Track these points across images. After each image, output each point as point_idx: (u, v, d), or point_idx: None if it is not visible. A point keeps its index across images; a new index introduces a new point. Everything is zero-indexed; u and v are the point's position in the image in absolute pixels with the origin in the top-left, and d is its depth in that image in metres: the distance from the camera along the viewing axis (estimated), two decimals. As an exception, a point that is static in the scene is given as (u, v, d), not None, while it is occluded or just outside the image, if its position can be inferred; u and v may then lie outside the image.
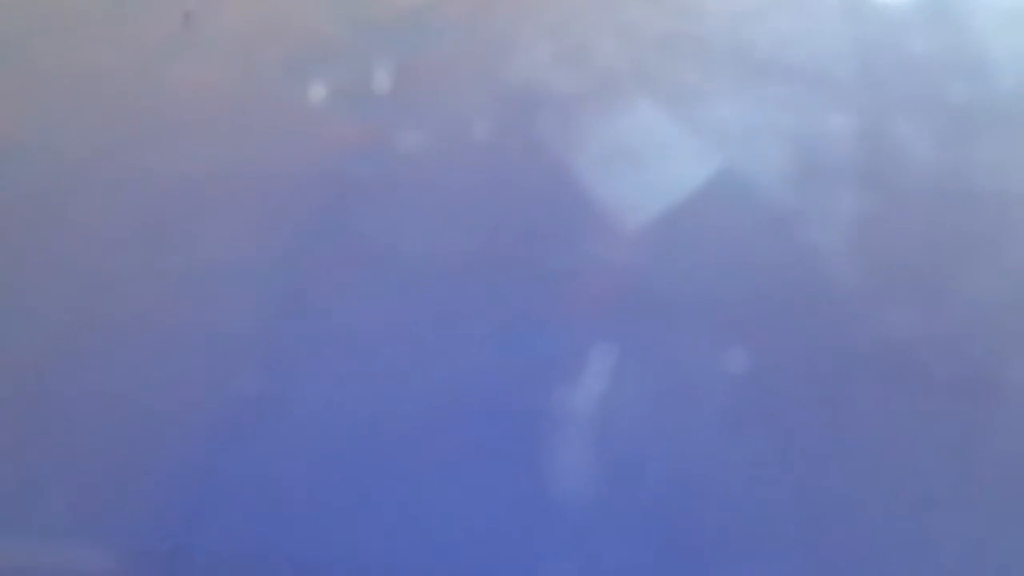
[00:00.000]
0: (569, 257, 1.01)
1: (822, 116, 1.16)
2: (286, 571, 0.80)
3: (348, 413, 0.91)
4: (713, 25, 1.24)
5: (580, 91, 1.17)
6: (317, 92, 1.16)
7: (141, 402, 0.90)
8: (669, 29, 1.24)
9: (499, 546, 0.81)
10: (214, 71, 1.22)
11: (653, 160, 1.12)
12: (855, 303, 0.99)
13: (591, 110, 1.16)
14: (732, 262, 1.01)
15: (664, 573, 0.81)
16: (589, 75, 1.19)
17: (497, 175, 1.10)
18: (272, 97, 1.17)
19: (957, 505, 0.86)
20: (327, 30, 1.23)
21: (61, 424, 0.89)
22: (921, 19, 1.27)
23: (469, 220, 1.05)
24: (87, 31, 1.29)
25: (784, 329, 0.96)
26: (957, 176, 1.13)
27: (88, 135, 1.16)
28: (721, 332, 0.95)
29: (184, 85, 1.19)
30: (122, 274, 1.01)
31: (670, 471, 0.86)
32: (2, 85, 1.24)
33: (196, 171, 1.11)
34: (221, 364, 0.94)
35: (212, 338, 0.96)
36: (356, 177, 1.09)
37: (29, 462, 0.86)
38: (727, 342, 0.94)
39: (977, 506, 0.86)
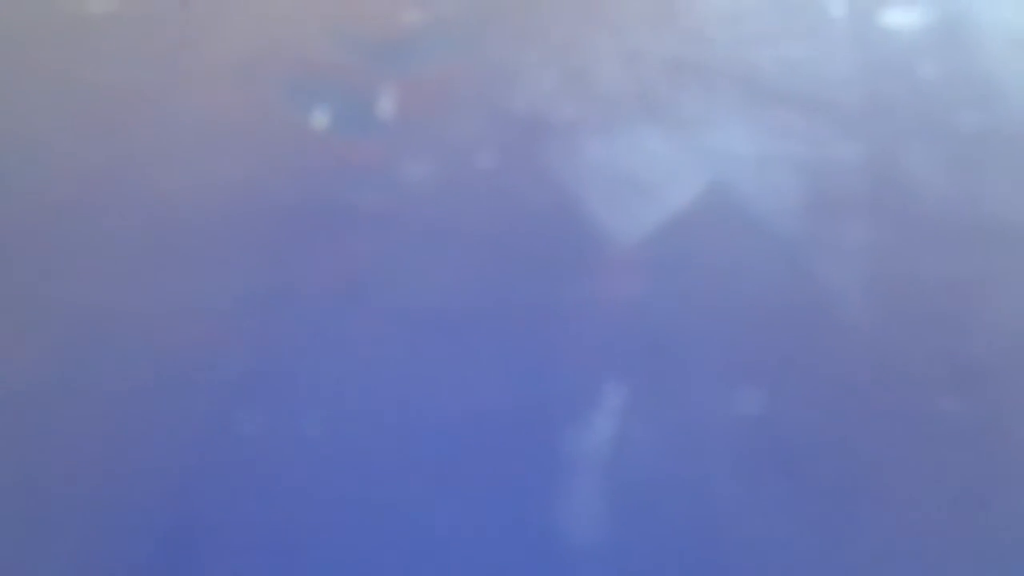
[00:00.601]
0: (575, 287, 0.99)
1: (831, 143, 1.15)
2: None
3: (350, 447, 0.89)
4: (719, 51, 1.23)
5: (584, 118, 1.16)
6: (318, 115, 1.15)
7: (134, 434, 0.88)
8: (675, 55, 1.22)
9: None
10: (210, 93, 1.20)
11: (660, 188, 1.10)
12: (866, 335, 0.97)
13: (596, 137, 1.14)
14: (742, 293, 0.99)
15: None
16: (595, 101, 1.17)
17: (502, 201, 1.08)
18: (269, 121, 1.15)
19: (972, 540, 0.84)
20: (326, 53, 1.21)
21: (54, 450, 0.87)
22: (930, 46, 1.26)
23: (473, 249, 1.03)
24: (83, 48, 1.27)
25: (795, 362, 0.94)
26: (968, 204, 1.11)
27: (82, 155, 1.14)
28: (732, 367, 0.93)
29: (180, 107, 1.18)
30: (114, 297, 0.99)
31: (681, 511, 0.84)
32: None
33: (192, 194, 1.09)
34: (218, 395, 0.91)
35: (206, 371, 0.93)
36: (358, 202, 1.07)
37: (21, 498, 0.83)
38: (738, 377, 0.92)
39: (993, 540, 0.84)
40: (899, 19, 1.29)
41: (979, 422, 0.91)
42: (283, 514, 0.84)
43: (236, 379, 0.93)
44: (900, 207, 1.10)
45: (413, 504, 0.85)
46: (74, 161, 1.14)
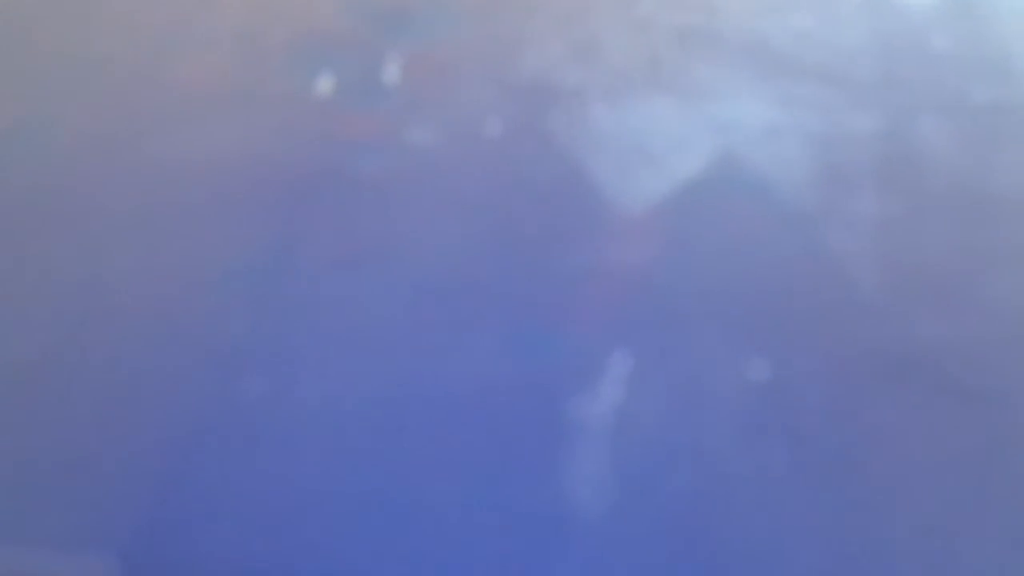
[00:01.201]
0: (583, 257, 0.98)
1: (842, 115, 1.13)
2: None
3: (354, 416, 0.88)
4: (730, 20, 1.21)
5: (594, 86, 1.14)
6: (323, 84, 1.13)
7: (140, 401, 0.88)
8: (684, 23, 1.21)
9: (511, 555, 0.79)
10: (217, 60, 1.19)
11: (669, 158, 1.09)
12: (876, 307, 0.96)
13: (605, 105, 1.13)
14: (750, 264, 0.98)
15: (681, 588, 0.79)
16: (603, 69, 1.16)
17: (508, 171, 1.07)
18: (277, 89, 1.14)
19: (979, 514, 0.83)
20: (334, 20, 1.20)
21: (60, 421, 0.86)
22: (944, 17, 1.24)
23: (479, 218, 1.02)
24: (88, 17, 1.26)
25: (804, 334, 0.93)
26: (980, 177, 1.10)
27: (87, 124, 1.13)
28: (739, 338, 0.92)
29: (187, 74, 1.16)
30: (120, 267, 0.98)
31: (687, 480, 0.83)
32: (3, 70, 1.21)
33: (197, 163, 1.08)
34: (222, 363, 0.91)
35: (214, 335, 0.93)
36: (363, 172, 1.06)
37: (25, 464, 0.83)
38: (745, 348, 0.91)
39: (1001, 514, 0.83)
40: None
41: (989, 394, 0.90)
42: (287, 481, 0.83)
43: (241, 345, 0.92)
44: (912, 179, 1.09)
45: (418, 473, 0.84)
46: (82, 129, 1.13)
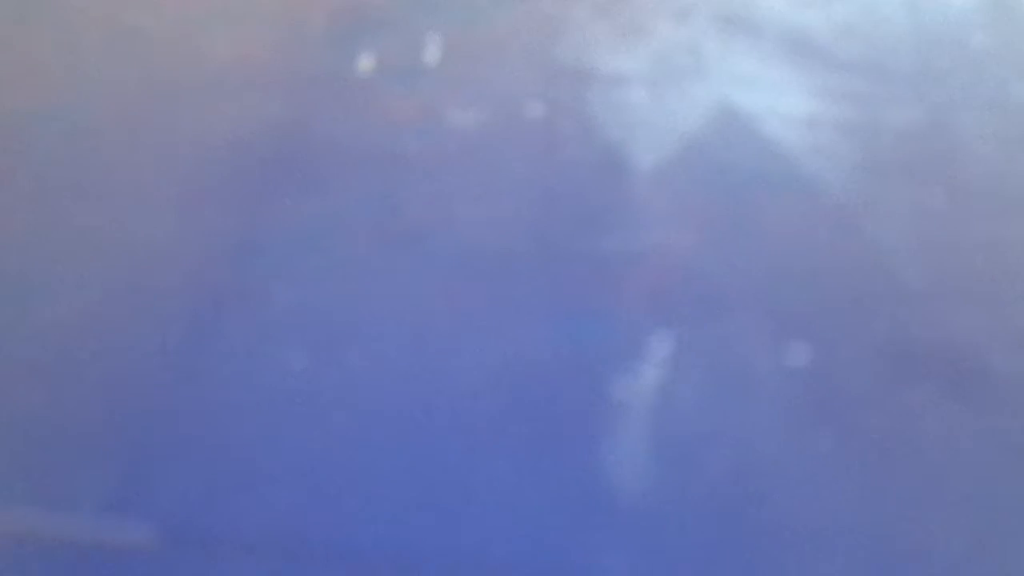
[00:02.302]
0: (625, 243, 0.98)
1: (881, 108, 1.13)
2: (330, 557, 0.78)
3: (395, 397, 0.88)
4: (770, 10, 1.21)
5: (634, 71, 1.14)
6: (364, 62, 1.14)
7: (182, 371, 0.88)
8: (725, 12, 1.21)
9: (553, 538, 0.79)
10: (257, 38, 1.19)
11: (708, 146, 1.09)
12: (915, 297, 0.96)
13: (645, 91, 1.13)
14: (790, 252, 0.99)
15: (721, 570, 0.79)
16: (643, 55, 1.16)
17: (549, 152, 1.07)
18: (318, 67, 1.14)
19: (1022, 502, 0.83)
20: (373, 2, 1.20)
21: (95, 396, 0.87)
22: (983, 12, 1.24)
23: (520, 201, 1.03)
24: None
25: (843, 322, 0.93)
26: (1017, 173, 1.10)
27: (126, 101, 1.13)
28: (781, 325, 0.92)
29: (225, 53, 1.17)
30: (158, 241, 0.99)
31: (727, 464, 0.83)
32: (35, 47, 1.21)
33: (237, 140, 1.08)
34: (265, 337, 0.91)
35: (256, 311, 0.93)
36: (404, 151, 1.07)
37: (68, 430, 0.83)
38: (787, 336, 0.91)
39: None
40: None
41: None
42: (329, 455, 0.83)
43: (283, 321, 0.92)
44: (950, 172, 1.09)
45: (458, 451, 0.84)
46: (119, 105, 1.13)
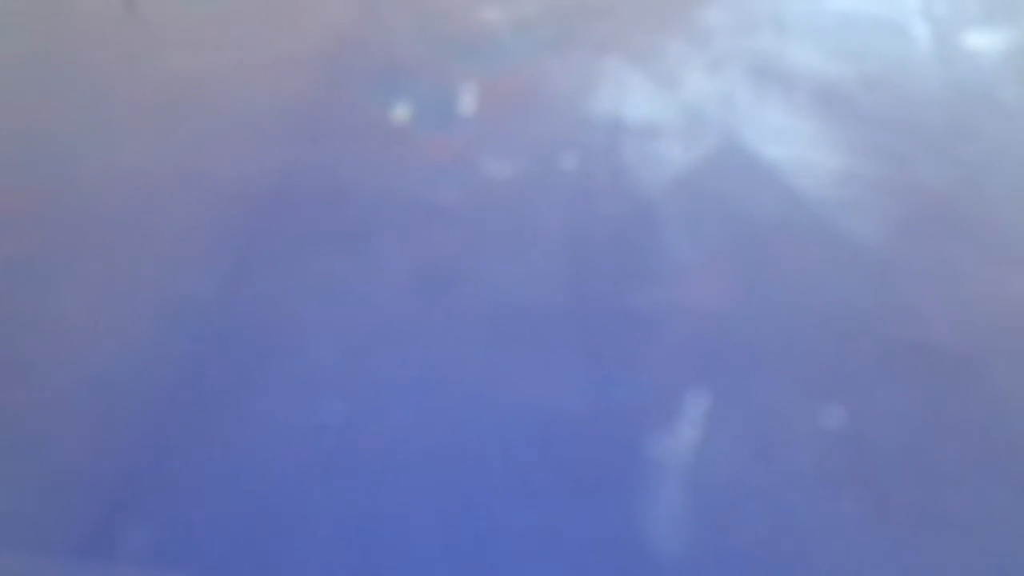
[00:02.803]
0: (657, 296, 0.99)
1: (913, 164, 1.14)
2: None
3: (428, 446, 0.88)
4: (800, 64, 1.22)
5: (666, 123, 1.15)
6: (399, 113, 1.14)
7: (208, 431, 0.88)
8: (756, 65, 1.22)
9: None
10: (294, 85, 1.20)
11: (740, 199, 1.09)
12: (950, 356, 0.96)
13: (678, 143, 1.13)
14: (824, 310, 0.99)
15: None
16: (676, 108, 1.17)
17: (583, 206, 1.08)
18: (352, 117, 1.15)
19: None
20: (409, 51, 1.21)
21: (132, 448, 0.87)
22: (1014, 67, 1.25)
23: (554, 253, 1.03)
24: (166, 38, 1.27)
25: (878, 384, 0.93)
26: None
27: (163, 145, 1.14)
28: (814, 384, 0.92)
29: (263, 102, 1.18)
30: (192, 293, 0.99)
31: (762, 523, 0.83)
32: (73, 93, 1.22)
33: (272, 186, 1.09)
34: (297, 392, 0.91)
35: (289, 365, 0.93)
36: (438, 202, 1.07)
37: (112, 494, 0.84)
38: (821, 395, 0.91)
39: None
40: (983, 41, 1.28)
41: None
42: (362, 505, 0.83)
43: (316, 368, 0.93)
44: (981, 229, 1.10)
45: (491, 501, 0.84)
46: (157, 150, 1.14)
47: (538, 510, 0.84)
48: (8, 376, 0.92)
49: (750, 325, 0.97)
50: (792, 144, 1.14)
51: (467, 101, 1.17)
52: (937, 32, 1.27)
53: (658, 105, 1.18)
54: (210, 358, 0.91)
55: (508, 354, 0.94)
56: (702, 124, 1.16)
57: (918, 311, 0.99)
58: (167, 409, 0.87)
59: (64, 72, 1.25)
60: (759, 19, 1.28)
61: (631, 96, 1.18)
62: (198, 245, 1.02)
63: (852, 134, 1.16)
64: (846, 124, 1.17)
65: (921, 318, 0.99)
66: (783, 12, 1.30)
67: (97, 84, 1.20)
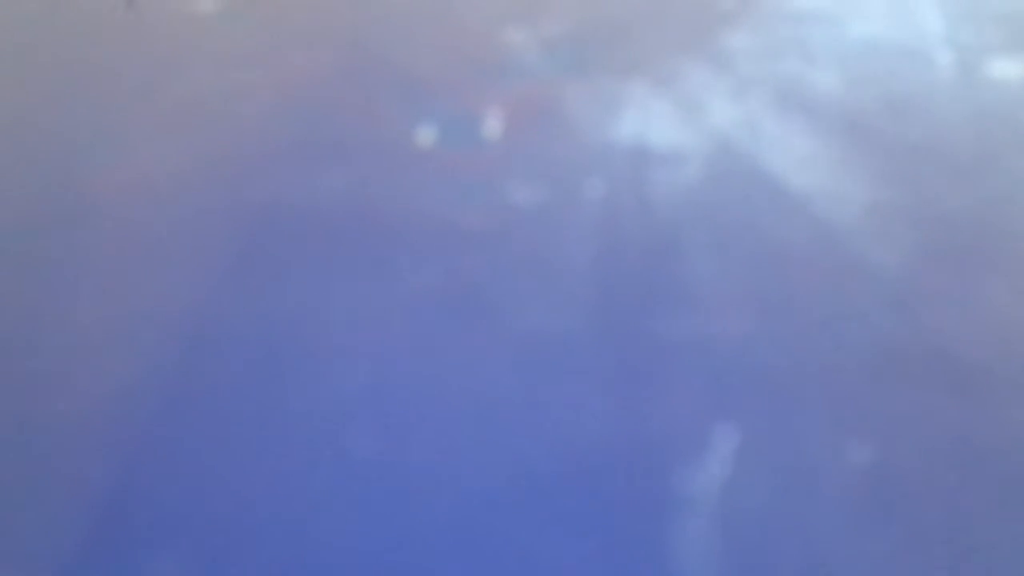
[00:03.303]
0: (682, 325, 0.99)
1: (938, 191, 1.14)
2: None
3: (455, 472, 0.88)
4: (826, 89, 1.22)
5: (691, 150, 1.15)
6: (425, 138, 1.14)
7: (241, 456, 0.88)
8: (781, 90, 1.22)
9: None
10: (316, 103, 1.20)
11: (765, 226, 1.09)
12: (977, 391, 0.96)
13: (702, 170, 1.13)
14: (850, 341, 0.99)
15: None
16: (700, 134, 1.17)
17: (607, 232, 1.08)
18: (380, 135, 1.15)
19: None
20: (436, 75, 1.21)
21: (157, 473, 0.87)
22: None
23: (578, 280, 1.03)
24: (188, 58, 1.27)
25: (906, 416, 0.93)
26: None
27: (187, 167, 1.15)
28: (841, 414, 0.92)
29: (289, 125, 1.18)
30: (218, 312, 0.99)
31: (791, 554, 0.83)
32: (97, 115, 1.22)
33: (298, 206, 1.09)
34: (326, 419, 0.91)
35: (317, 390, 0.93)
36: (462, 227, 1.07)
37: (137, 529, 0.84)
38: (847, 425, 0.91)
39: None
40: (1008, 68, 1.28)
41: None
42: (389, 530, 0.83)
43: (344, 394, 0.93)
44: (1008, 257, 1.09)
45: (515, 525, 0.84)
46: (181, 171, 1.14)
47: (565, 536, 0.84)
48: (27, 385, 0.92)
49: (775, 353, 0.97)
50: (816, 171, 1.14)
51: (492, 123, 1.17)
52: (961, 59, 1.27)
53: (683, 130, 1.18)
54: (232, 379, 0.91)
55: (534, 380, 0.94)
56: (726, 150, 1.16)
57: (944, 339, 0.99)
58: (190, 432, 0.87)
59: (87, 97, 1.25)
60: (783, 44, 1.29)
61: (655, 121, 1.18)
62: (221, 265, 1.02)
63: (876, 161, 1.16)
64: (870, 151, 1.17)
65: (947, 346, 0.99)
66: (807, 37, 1.30)
67: (120, 102, 1.21)
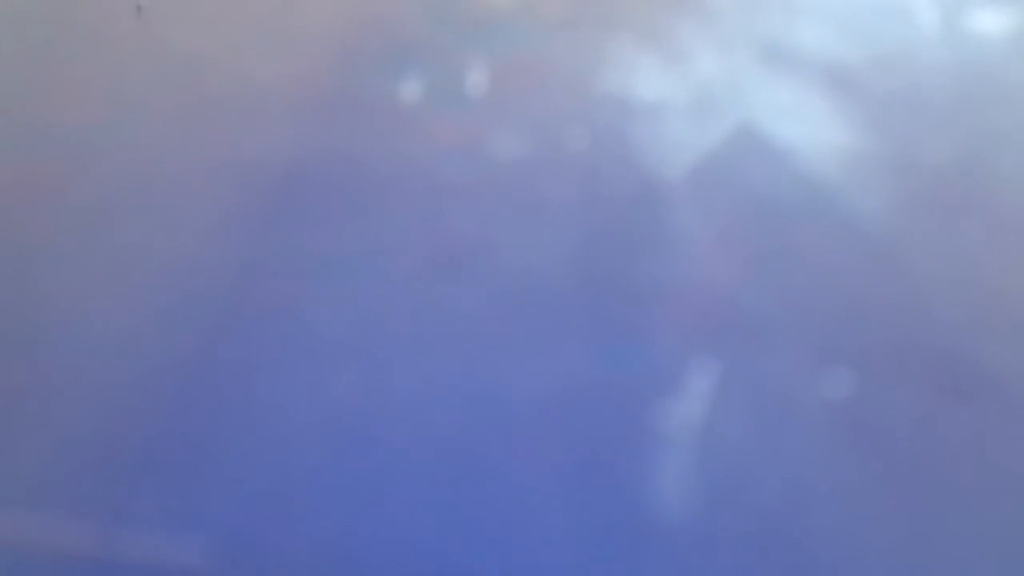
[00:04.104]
0: (664, 271, 1.00)
1: (919, 142, 1.15)
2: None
3: (438, 419, 0.90)
4: (811, 43, 1.23)
5: (674, 102, 1.16)
6: (407, 91, 1.15)
7: (220, 403, 0.89)
8: (766, 43, 1.23)
9: (595, 558, 0.80)
10: (304, 63, 1.21)
11: (747, 177, 1.10)
12: (953, 328, 0.97)
13: (685, 122, 1.14)
14: (829, 285, 1.00)
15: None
16: (684, 85, 1.18)
17: (590, 181, 1.09)
18: (365, 95, 1.16)
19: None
20: (421, 30, 1.22)
21: (146, 417, 0.89)
22: (1021, 47, 1.26)
23: (562, 229, 1.04)
24: (177, 18, 1.28)
25: (882, 356, 0.94)
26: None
27: (174, 125, 1.16)
28: (818, 353, 0.93)
29: (272, 79, 1.19)
30: (202, 268, 1.00)
31: (768, 491, 0.85)
32: (89, 71, 1.23)
33: (284, 163, 1.10)
34: (308, 367, 0.93)
35: (299, 340, 0.95)
36: (447, 179, 1.08)
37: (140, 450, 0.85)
38: (824, 363, 0.92)
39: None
40: (989, 22, 1.29)
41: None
42: (373, 477, 0.85)
43: (326, 343, 0.94)
44: (987, 206, 1.10)
45: (502, 472, 0.86)
46: (169, 127, 1.15)
47: (548, 479, 0.85)
48: (27, 354, 0.93)
49: (757, 300, 0.98)
50: (800, 124, 1.15)
51: (478, 81, 1.18)
52: (944, 12, 1.28)
53: (667, 85, 1.19)
54: (225, 333, 0.92)
55: (519, 328, 0.95)
56: (711, 104, 1.17)
57: (922, 288, 1.00)
58: (182, 381, 0.88)
59: (75, 52, 1.26)
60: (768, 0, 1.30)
61: (640, 76, 1.19)
62: (213, 224, 1.03)
63: (859, 114, 1.17)
64: (854, 104, 1.18)
65: (925, 295, 1.00)
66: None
67: (108, 66, 1.22)
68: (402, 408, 0.90)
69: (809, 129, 1.14)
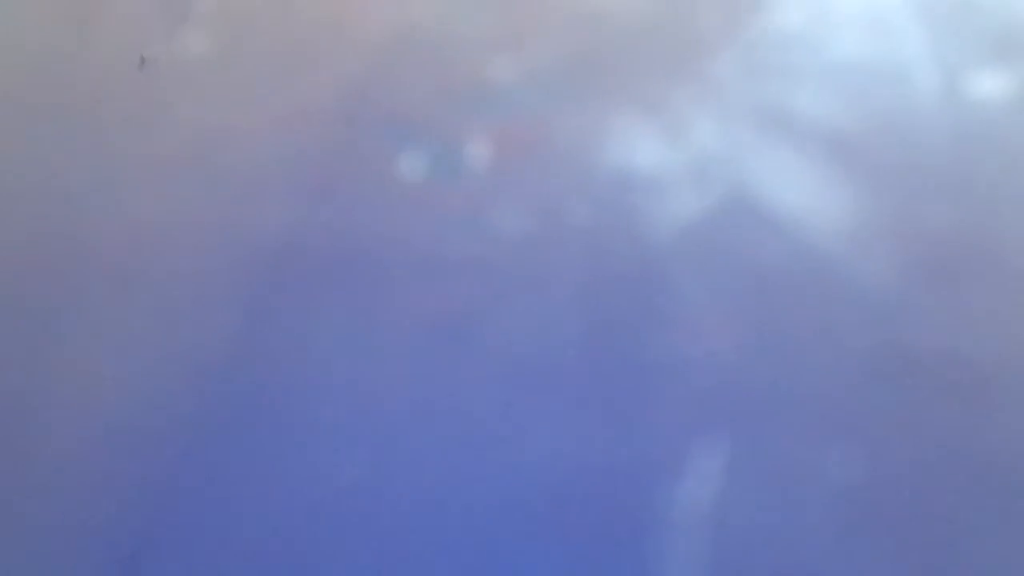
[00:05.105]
0: (669, 349, 0.99)
1: (920, 209, 1.15)
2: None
3: (441, 498, 0.89)
4: (809, 109, 1.23)
5: (676, 175, 1.16)
6: (411, 165, 1.15)
7: (231, 488, 0.89)
8: (766, 115, 1.23)
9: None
10: (304, 136, 1.21)
11: (750, 249, 1.10)
12: (961, 404, 0.97)
13: (687, 194, 1.14)
14: (835, 359, 0.99)
15: None
16: (684, 159, 1.18)
17: (593, 256, 1.09)
18: (365, 169, 1.16)
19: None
20: (422, 102, 1.22)
21: (155, 507, 0.88)
22: (1021, 112, 1.26)
23: (565, 306, 1.04)
24: (175, 88, 1.29)
25: (891, 433, 0.94)
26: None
27: (179, 199, 1.15)
28: (829, 432, 0.93)
29: (274, 154, 1.19)
30: (208, 346, 1.00)
31: (781, 574, 0.84)
32: (86, 131, 1.24)
33: (284, 239, 1.10)
34: (311, 443, 0.92)
35: (302, 419, 0.94)
36: (449, 255, 1.08)
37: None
38: (835, 443, 0.92)
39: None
40: (991, 85, 1.29)
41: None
42: (379, 558, 0.84)
43: (329, 421, 0.94)
44: (990, 273, 1.10)
45: (506, 552, 0.85)
46: (170, 202, 1.15)
47: (555, 563, 0.85)
48: (24, 425, 0.93)
49: (763, 374, 0.97)
50: (801, 194, 1.14)
51: (478, 154, 1.18)
52: (944, 77, 1.28)
53: (668, 157, 1.18)
54: (223, 413, 0.92)
55: (524, 407, 0.95)
56: (712, 175, 1.17)
57: (929, 356, 0.99)
58: (179, 463, 0.88)
59: (76, 125, 1.26)
60: (768, 67, 1.30)
61: (641, 148, 1.19)
62: (211, 300, 1.03)
63: (860, 182, 1.17)
64: (854, 172, 1.18)
65: (931, 363, 0.99)
66: (791, 60, 1.31)
67: (108, 138, 1.22)
68: (404, 489, 0.89)
69: (810, 199, 1.14)
